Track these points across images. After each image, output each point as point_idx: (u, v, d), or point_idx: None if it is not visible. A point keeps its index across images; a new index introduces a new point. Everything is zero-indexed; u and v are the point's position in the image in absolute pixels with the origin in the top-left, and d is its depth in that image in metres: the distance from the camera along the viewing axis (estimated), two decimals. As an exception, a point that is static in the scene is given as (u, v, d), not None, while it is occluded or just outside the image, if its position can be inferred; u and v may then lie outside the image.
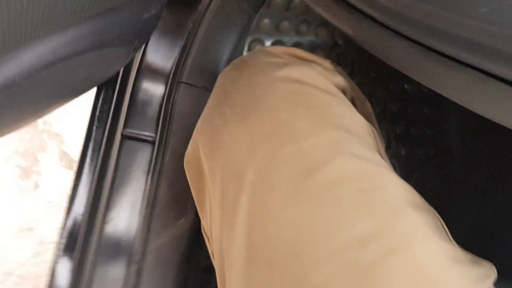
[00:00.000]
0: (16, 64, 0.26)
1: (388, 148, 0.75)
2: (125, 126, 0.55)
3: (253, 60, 0.41)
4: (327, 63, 0.43)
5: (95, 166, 0.57)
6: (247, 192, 0.34)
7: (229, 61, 0.52)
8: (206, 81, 0.51)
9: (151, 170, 0.50)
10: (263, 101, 0.36)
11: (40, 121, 0.77)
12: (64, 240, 0.56)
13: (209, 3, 0.43)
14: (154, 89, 0.51)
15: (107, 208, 0.55)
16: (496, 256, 0.70)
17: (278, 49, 0.43)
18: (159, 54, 0.48)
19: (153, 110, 0.54)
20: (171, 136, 0.50)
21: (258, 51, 0.43)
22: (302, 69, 0.38)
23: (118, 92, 0.52)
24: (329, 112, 0.35)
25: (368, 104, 0.47)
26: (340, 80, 0.41)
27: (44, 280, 0.75)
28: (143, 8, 0.31)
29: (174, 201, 0.53)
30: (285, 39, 0.69)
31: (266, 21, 0.65)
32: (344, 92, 0.41)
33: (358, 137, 0.35)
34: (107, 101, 0.53)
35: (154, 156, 0.50)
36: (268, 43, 0.68)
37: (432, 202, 0.78)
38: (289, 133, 0.34)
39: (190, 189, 0.44)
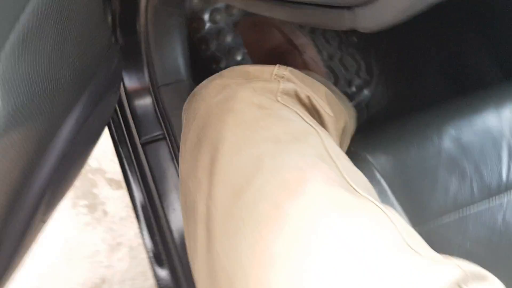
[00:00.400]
0: (66, 132, 0.41)
1: (341, 42, 0.87)
2: (139, 136, 0.70)
3: (199, 94, 0.43)
4: (276, 70, 0.43)
5: (137, 175, 0.74)
6: (202, 221, 0.35)
7: (183, 52, 0.65)
8: (175, 75, 0.65)
9: (174, 157, 0.66)
10: (204, 132, 0.38)
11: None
12: (146, 237, 0.74)
13: (146, 26, 0.56)
14: (144, 101, 0.66)
15: (161, 199, 0.72)
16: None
17: (226, 72, 0.44)
18: (134, 77, 0.63)
19: (152, 115, 0.69)
20: (174, 126, 0.65)
21: (206, 82, 0.44)
22: (236, 90, 0.39)
23: (121, 117, 0.67)
24: (256, 126, 0.36)
25: (326, 98, 0.46)
26: (287, 85, 0.41)
27: (149, 273, 0.95)
28: (109, 62, 0.45)
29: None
30: (219, 5, 0.81)
31: (195, 1, 0.77)
32: (296, 94, 0.42)
33: (286, 143, 0.35)
34: (118, 128, 0.68)
35: (170, 146, 0.66)
36: (206, 15, 0.80)
37: (396, 65, 0.91)
38: (219, 157, 0.35)
39: None
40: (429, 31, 0.84)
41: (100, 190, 0.97)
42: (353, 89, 0.84)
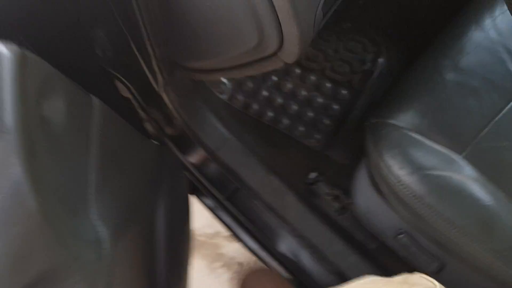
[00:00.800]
0: (161, 224, 0.58)
1: (338, 34, 0.95)
2: (222, 194, 0.86)
3: None
4: None
5: (239, 224, 0.89)
6: None
7: (217, 117, 0.81)
8: (221, 138, 0.81)
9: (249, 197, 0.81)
10: None
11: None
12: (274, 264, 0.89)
13: (180, 116, 0.73)
14: (211, 167, 0.82)
15: (264, 232, 0.86)
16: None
17: None
18: (194, 154, 0.80)
19: (221, 174, 0.85)
20: (241, 175, 0.80)
21: None
22: None
23: (203, 188, 0.84)
24: None
25: None
26: None
27: None
28: (165, 164, 0.62)
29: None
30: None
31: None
32: None
33: None
34: (205, 197, 0.85)
35: (247, 192, 0.81)
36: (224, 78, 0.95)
37: (395, 25, 0.96)
38: None
39: None
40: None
41: (225, 249, 1.15)
42: (368, 64, 0.92)
